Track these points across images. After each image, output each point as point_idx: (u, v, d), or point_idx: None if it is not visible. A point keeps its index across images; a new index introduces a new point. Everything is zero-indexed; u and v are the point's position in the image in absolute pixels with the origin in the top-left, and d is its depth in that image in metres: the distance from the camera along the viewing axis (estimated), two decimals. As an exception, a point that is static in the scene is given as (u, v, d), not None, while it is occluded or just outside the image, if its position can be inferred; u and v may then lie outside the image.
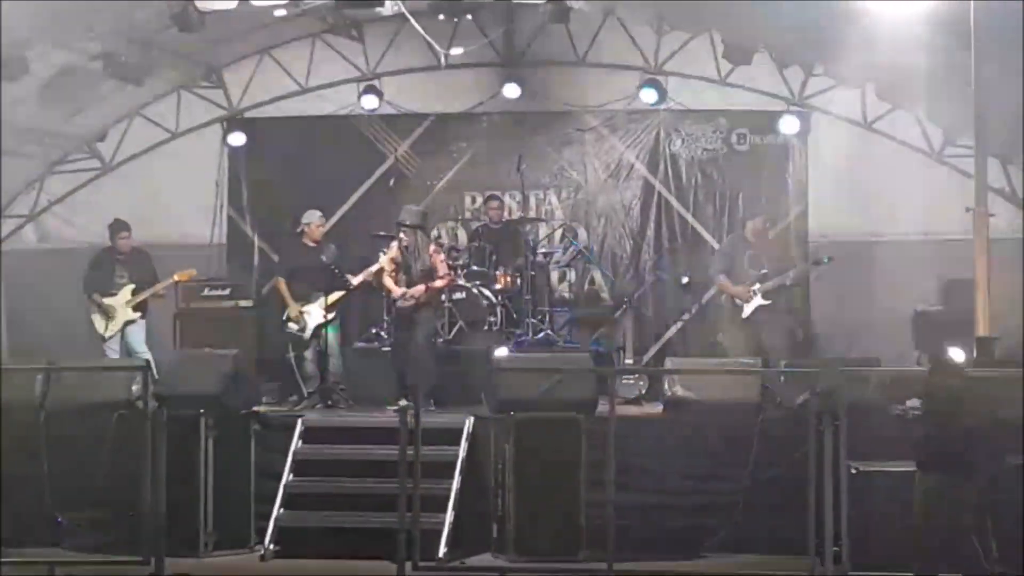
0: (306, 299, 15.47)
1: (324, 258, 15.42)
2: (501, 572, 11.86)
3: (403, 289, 14.95)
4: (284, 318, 15.62)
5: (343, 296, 15.52)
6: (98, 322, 16.35)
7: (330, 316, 15.35)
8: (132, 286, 16.34)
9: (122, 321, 16.29)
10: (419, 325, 15.00)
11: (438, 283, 15.14)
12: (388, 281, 15.12)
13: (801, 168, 18.26)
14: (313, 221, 15.84)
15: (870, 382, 12.48)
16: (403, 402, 14.31)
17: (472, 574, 12.27)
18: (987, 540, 11.30)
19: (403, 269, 15.02)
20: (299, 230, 15.89)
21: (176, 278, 16.47)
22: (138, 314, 16.36)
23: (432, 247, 15.35)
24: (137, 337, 16.33)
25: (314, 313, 15.38)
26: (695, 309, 17.53)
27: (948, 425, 10.64)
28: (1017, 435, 11.53)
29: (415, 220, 15.19)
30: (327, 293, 15.27)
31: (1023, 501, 11.52)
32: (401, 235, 15.03)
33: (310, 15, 17.15)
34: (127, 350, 16.23)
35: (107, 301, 16.30)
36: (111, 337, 16.29)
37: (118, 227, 16.64)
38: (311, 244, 15.77)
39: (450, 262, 16.66)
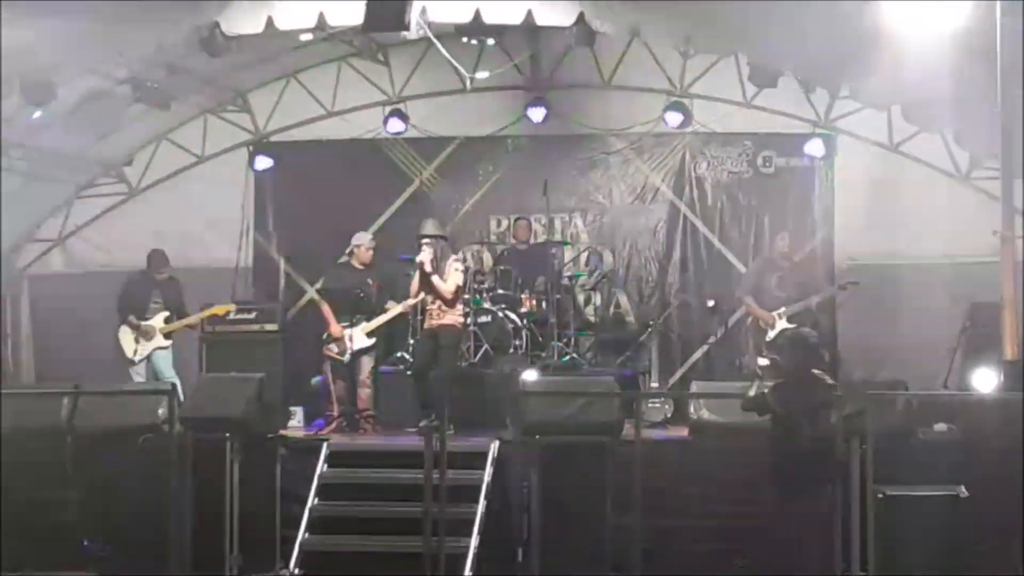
0: (350, 322, 15.42)
1: (370, 281, 15.40)
2: (527, 596, 11.86)
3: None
4: (326, 339, 15.57)
5: (386, 323, 15.46)
6: (128, 345, 16.34)
7: (372, 342, 15.32)
8: (166, 313, 16.38)
9: (153, 346, 16.32)
10: (441, 347, 14.98)
11: (441, 285, 14.86)
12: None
13: (827, 191, 18.23)
14: (363, 243, 15.77)
15: (897, 406, 12.43)
16: (423, 423, 14.37)
17: (498, 598, 12.27)
18: None
19: (424, 283, 14.98)
20: (348, 251, 15.85)
21: (215, 310, 16.54)
22: (169, 342, 16.41)
23: (452, 258, 15.26)
24: (165, 362, 16.36)
25: (356, 338, 15.34)
26: (721, 332, 17.46)
27: (791, 444, 10.86)
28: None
29: (436, 231, 15.20)
30: (371, 318, 15.26)
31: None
32: (424, 248, 15.01)
33: (336, 39, 17.19)
34: (154, 375, 16.26)
35: (145, 324, 16.33)
36: (140, 361, 16.32)
37: (159, 261, 16.65)
38: (359, 267, 15.72)
39: (475, 284, 16.69)
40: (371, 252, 15.73)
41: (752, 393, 11.31)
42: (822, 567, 11.03)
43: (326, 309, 15.62)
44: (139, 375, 16.31)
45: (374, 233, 17.87)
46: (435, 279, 14.82)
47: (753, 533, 12.37)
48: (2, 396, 13.01)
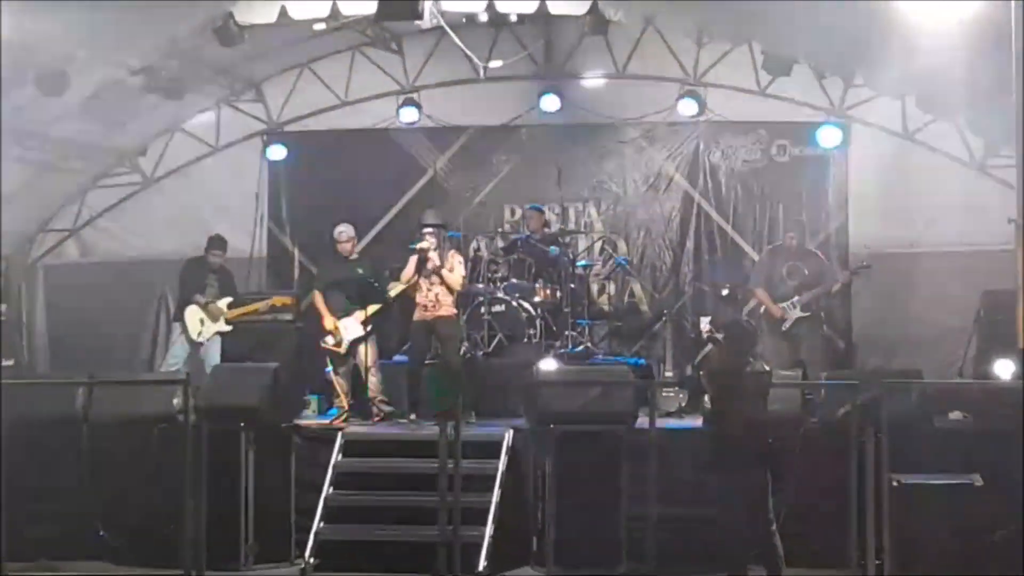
0: (344, 313, 15.44)
1: (360, 271, 15.45)
2: (541, 585, 11.87)
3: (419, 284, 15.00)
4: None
5: (381, 309, 15.50)
6: (193, 325, 16.30)
7: (367, 330, 15.33)
8: (229, 299, 16.41)
9: (215, 329, 16.33)
10: (444, 339, 15.04)
11: (451, 277, 14.94)
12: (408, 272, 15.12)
13: (841, 179, 18.17)
14: (342, 237, 15.81)
15: (912, 394, 12.42)
16: (412, 416, 14.42)
17: (512, 587, 12.30)
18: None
19: (424, 273, 14.96)
20: (334, 244, 15.85)
21: (274, 302, 16.56)
22: (229, 327, 16.42)
23: (452, 249, 15.32)
24: (214, 351, 16.38)
25: (351, 327, 15.35)
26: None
27: (729, 425, 11.12)
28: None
29: (438, 220, 15.21)
30: (364, 306, 15.27)
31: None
32: (426, 237, 15.02)
33: (349, 29, 17.19)
34: (204, 364, 16.21)
35: (212, 305, 16.32)
36: (204, 342, 16.30)
37: (214, 244, 16.66)
38: (345, 258, 15.74)
39: (489, 274, 16.69)
40: (351, 243, 15.76)
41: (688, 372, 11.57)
42: (755, 545, 11.13)
43: (319, 301, 15.65)
44: (174, 364, 16.27)
45: (389, 222, 17.94)
46: (444, 272, 14.84)
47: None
48: (18, 386, 13.06)
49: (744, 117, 18.40)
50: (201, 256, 16.75)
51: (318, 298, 15.72)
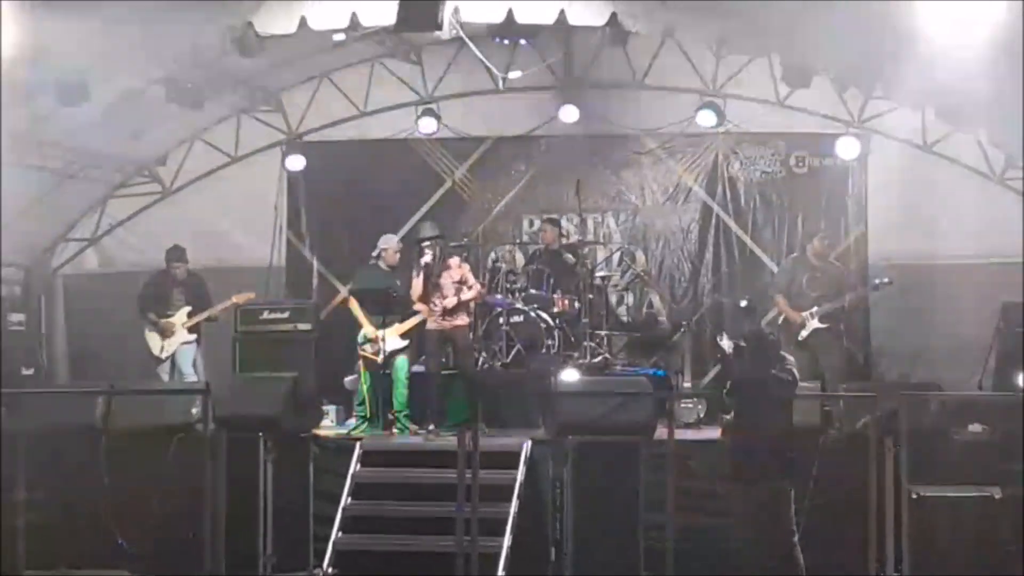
0: (380, 324, 15.42)
1: (399, 282, 15.42)
2: (559, 595, 11.86)
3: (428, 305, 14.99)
4: (360, 340, 15.57)
5: (420, 323, 15.47)
6: (153, 342, 16.48)
7: (405, 343, 15.33)
8: (189, 308, 16.49)
9: (178, 342, 16.46)
10: (460, 350, 15.07)
11: (470, 294, 15.08)
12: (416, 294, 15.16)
13: (860, 191, 18.14)
14: (390, 246, 15.80)
15: (931, 406, 12.39)
16: (431, 427, 14.42)
17: (530, 598, 12.28)
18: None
19: (430, 285, 14.97)
20: (375, 254, 15.86)
21: (234, 300, 16.58)
22: (193, 336, 16.50)
23: (456, 259, 15.33)
24: (186, 358, 16.46)
25: (390, 339, 15.32)
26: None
27: (747, 439, 11.21)
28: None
29: (434, 232, 15.23)
30: (403, 319, 15.28)
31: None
32: (424, 250, 15.01)
33: (368, 39, 17.16)
34: (176, 371, 16.36)
35: (164, 321, 16.42)
36: (167, 358, 16.42)
37: (174, 255, 16.78)
38: (386, 268, 15.75)
39: (508, 284, 16.69)
40: (398, 255, 15.77)
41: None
42: (776, 556, 11.11)
43: (357, 309, 15.62)
44: (165, 373, 16.41)
45: (407, 233, 17.91)
46: (463, 295, 14.93)
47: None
48: (38, 395, 13.09)
49: (763, 128, 18.39)
50: (165, 270, 16.82)
51: (355, 305, 15.68)
